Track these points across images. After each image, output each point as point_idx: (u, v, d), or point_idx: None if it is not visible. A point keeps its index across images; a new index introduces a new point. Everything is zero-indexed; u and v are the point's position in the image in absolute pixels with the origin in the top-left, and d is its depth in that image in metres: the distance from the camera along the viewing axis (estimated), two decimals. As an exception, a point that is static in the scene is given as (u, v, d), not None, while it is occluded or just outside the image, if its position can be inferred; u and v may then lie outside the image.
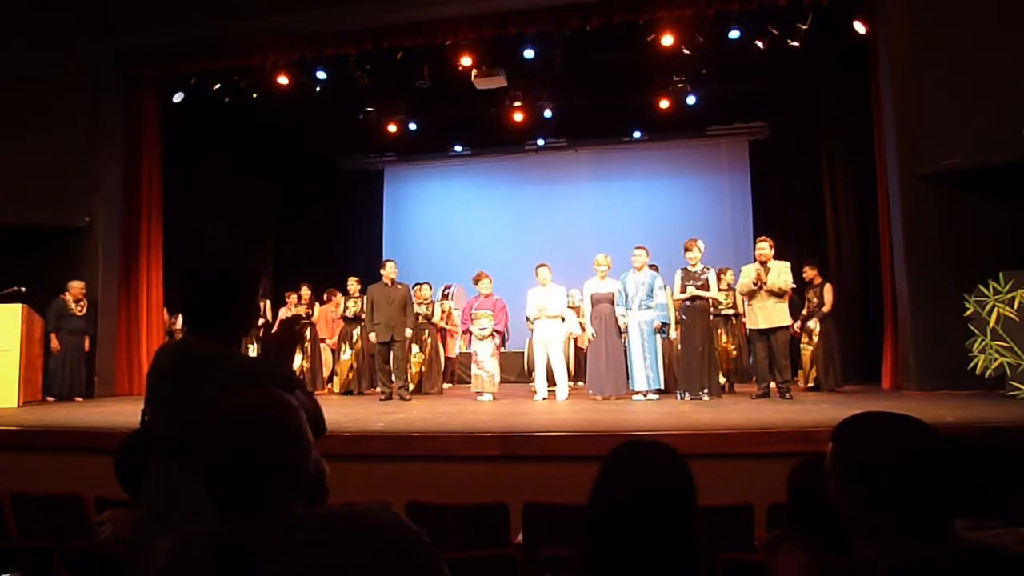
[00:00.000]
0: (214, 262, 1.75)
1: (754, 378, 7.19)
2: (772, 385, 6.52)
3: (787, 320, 6.54)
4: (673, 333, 7.21)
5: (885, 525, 1.15)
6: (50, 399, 7.42)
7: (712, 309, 7.56)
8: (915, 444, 1.17)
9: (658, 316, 6.76)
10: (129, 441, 2.11)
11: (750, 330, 6.85)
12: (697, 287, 6.67)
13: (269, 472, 1.10)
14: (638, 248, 6.88)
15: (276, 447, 1.12)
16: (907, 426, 1.20)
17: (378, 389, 7.94)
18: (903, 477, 1.14)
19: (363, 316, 8.63)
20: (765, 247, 6.61)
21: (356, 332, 8.68)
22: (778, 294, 6.46)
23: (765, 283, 6.46)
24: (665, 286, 7.03)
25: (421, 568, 1.11)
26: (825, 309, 7.45)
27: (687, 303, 6.71)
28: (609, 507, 1.24)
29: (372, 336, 7.76)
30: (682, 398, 6.52)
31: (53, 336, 7.52)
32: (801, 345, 7.65)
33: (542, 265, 7.40)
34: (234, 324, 1.69)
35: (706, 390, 6.51)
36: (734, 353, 7.83)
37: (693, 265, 6.75)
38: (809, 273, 7.66)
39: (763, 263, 6.57)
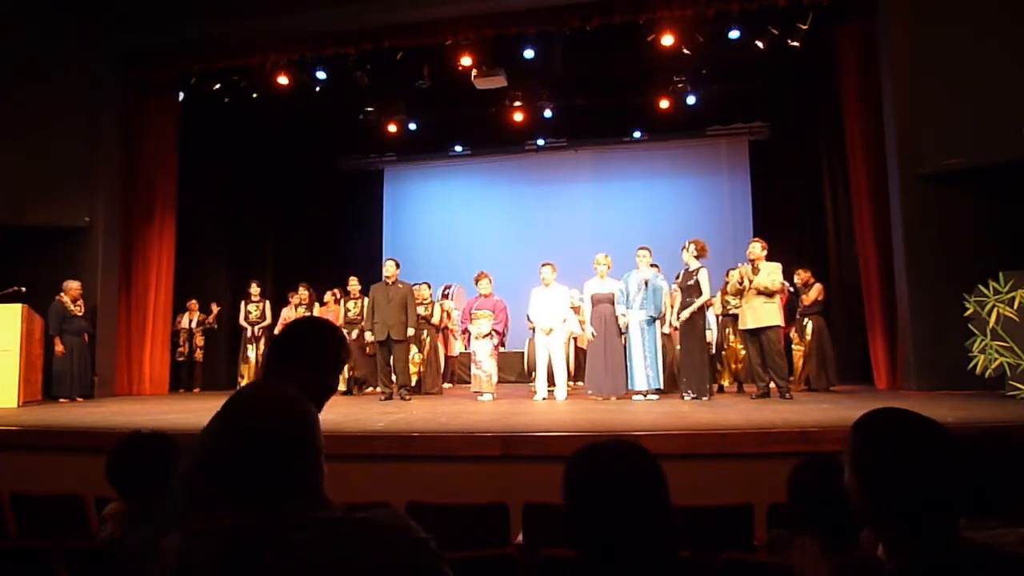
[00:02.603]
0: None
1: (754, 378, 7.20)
2: (772, 385, 6.52)
3: (775, 320, 6.48)
4: (667, 328, 7.24)
5: (891, 523, 1.15)
6: (62, 400, 7.39)
7: (721, 309, 7.60)
8: (926, 444, 1.16)
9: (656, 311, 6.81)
10: (127, 442, 2.11)
11: (741, 331, 6.87)
12: (688, 286, 6.69)
13: (282, 471, 1.10)
14: (642, 248, 6.88)
15: (290, 447, 1.12)
16: (922, 426, 1.19)
17: (378, 389, 7.93)
18: (912, 476, 1.13)
19: (359, 317, 8.66)
20: (756, 248, 6.62)
21: (355, 332, 8.69)
22: (766, 294, 6.44)
23: (751, 280, 6.47)
24: (667, 287, 7.04)
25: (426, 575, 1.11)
26: (804, 300, 7.53)
27: (685, 305, 6.73)
28: (578, 508, 1.23)
29: (368, 335, 7.74)
30: (684, 398, 6.53)
31: (57, 340, 7.48)
32: (793, 346, 7.68)
33: (546, 264, 7.40)
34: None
35: (702, 391, 6.53)
36: (743, 353, 7.83)
37: (687, 267, 6.79)
38: (803, 276, 7.71)
39: (752, 263, 6.57)
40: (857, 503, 1.20)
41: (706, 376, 6.62)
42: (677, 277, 6.94)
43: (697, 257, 6.74)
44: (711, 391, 6.69)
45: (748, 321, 6.54)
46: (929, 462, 1.14)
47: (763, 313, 6.44)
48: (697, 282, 6.65)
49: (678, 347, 8.33)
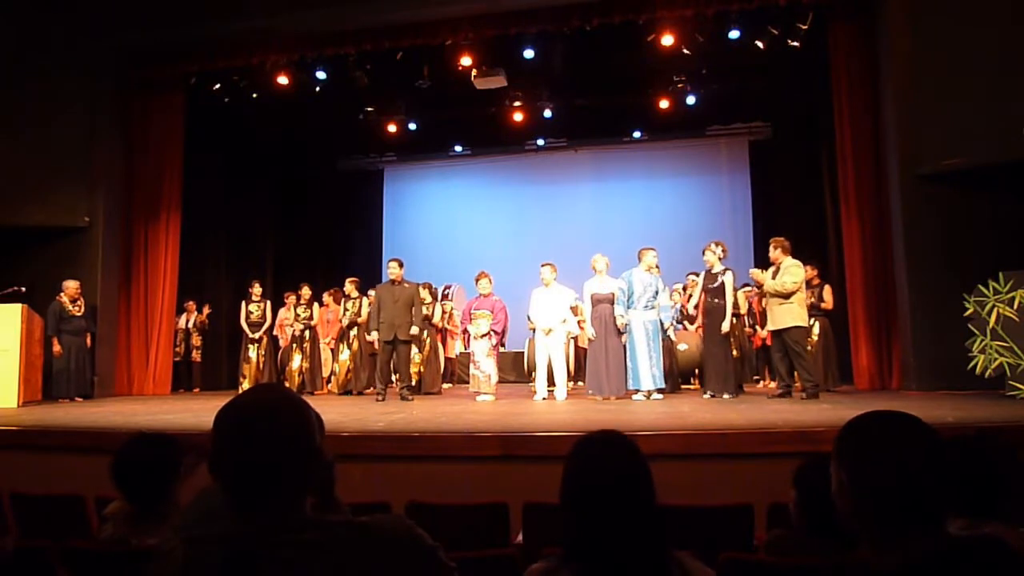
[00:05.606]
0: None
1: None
2: (796, 384, 6.50)
3: (791, 322, 6.31)
4: (673, 335, 7.25)
5: (878, 522, 1.16)
6: (61, 400, 7.38)
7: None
8: (913, 444, 1.17)
9: (664, 317, 6.83)
10: (132, 443, 2.11)
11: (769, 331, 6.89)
12: (713, 288, 6.72)
13: (281, 471, 1.10)
14: (651, 249, 6.87)
15: (289, 447, 1.11)
16: (909, 425, 1.20)
17: (376, 389, 7.89)
18: (897, 475, 1.14)
19: (358, 319, 8.63)
20: (770, 249, 6.60)
21: (353, 332, 8.69)
22: (781, 296, 6.37)
23: (762, 284, 6.47)
24: (666, 287, 7.04)
25: None
26: (824, 306, 7.50)
27: (709, 306, 6.77)
28: (573, 498, 1.27)
29: (374, 335, 7.69)
30: (705, 396, 6.59)
31: (54, 340, 7.47)
32: None
33: (546, 264, 7.39)
34: None
35: (727, 390, 6.57)
36: (735, 354, 7.83)
37: (710, 268, 6.80)
38: (809, 273, 7.67)
39: (775, 265, 6.54)
40: (843, 503, 1.21)
41: (731, 375, 6.68)
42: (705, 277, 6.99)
43: (721, 259, 6.77)
44: (736, 389, 6.74)
45: (769, 323, 6.60)
46: (915, 461, 1.15)
47: (779, 315, 6.39)
48: (722, 284, 6.68)
49: (679, 347, 8.36)
